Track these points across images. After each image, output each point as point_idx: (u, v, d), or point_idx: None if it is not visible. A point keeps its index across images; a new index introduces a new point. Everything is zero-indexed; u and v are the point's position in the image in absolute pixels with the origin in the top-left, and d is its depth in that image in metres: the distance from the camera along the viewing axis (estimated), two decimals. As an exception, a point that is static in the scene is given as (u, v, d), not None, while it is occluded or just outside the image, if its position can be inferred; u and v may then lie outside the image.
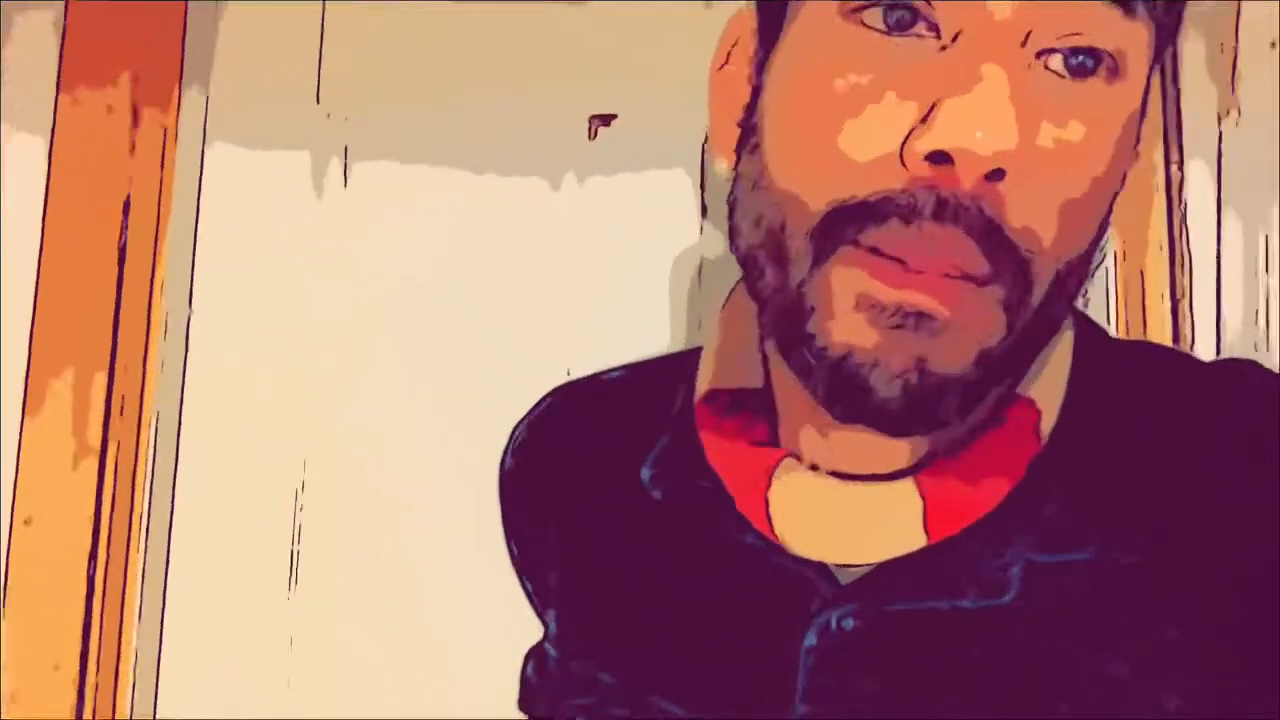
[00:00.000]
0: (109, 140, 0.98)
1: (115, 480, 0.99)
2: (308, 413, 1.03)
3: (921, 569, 0.46)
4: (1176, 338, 0.94)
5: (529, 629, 0.96)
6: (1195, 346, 0.93)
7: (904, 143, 0.40)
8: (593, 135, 1.04)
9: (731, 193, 0.47)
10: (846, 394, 0.42)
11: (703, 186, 1.03)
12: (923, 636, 0.46)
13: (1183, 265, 0.94)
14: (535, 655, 0.59)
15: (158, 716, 0.99)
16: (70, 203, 0.99)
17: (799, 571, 0.47)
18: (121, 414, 0.99)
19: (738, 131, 0.47)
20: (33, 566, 0.96)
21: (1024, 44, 0.41)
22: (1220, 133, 0.92)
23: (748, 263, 0.45)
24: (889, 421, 0.43)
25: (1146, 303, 0.94)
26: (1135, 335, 0.94)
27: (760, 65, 0.46)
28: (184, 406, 1.02)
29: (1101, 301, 0.96)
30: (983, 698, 0.45)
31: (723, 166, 0.48)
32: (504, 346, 1.03)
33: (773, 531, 0.48)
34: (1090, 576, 0.45)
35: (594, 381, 0.61)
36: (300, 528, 1.02)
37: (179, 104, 1.00)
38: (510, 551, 0.61)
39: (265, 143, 1.05)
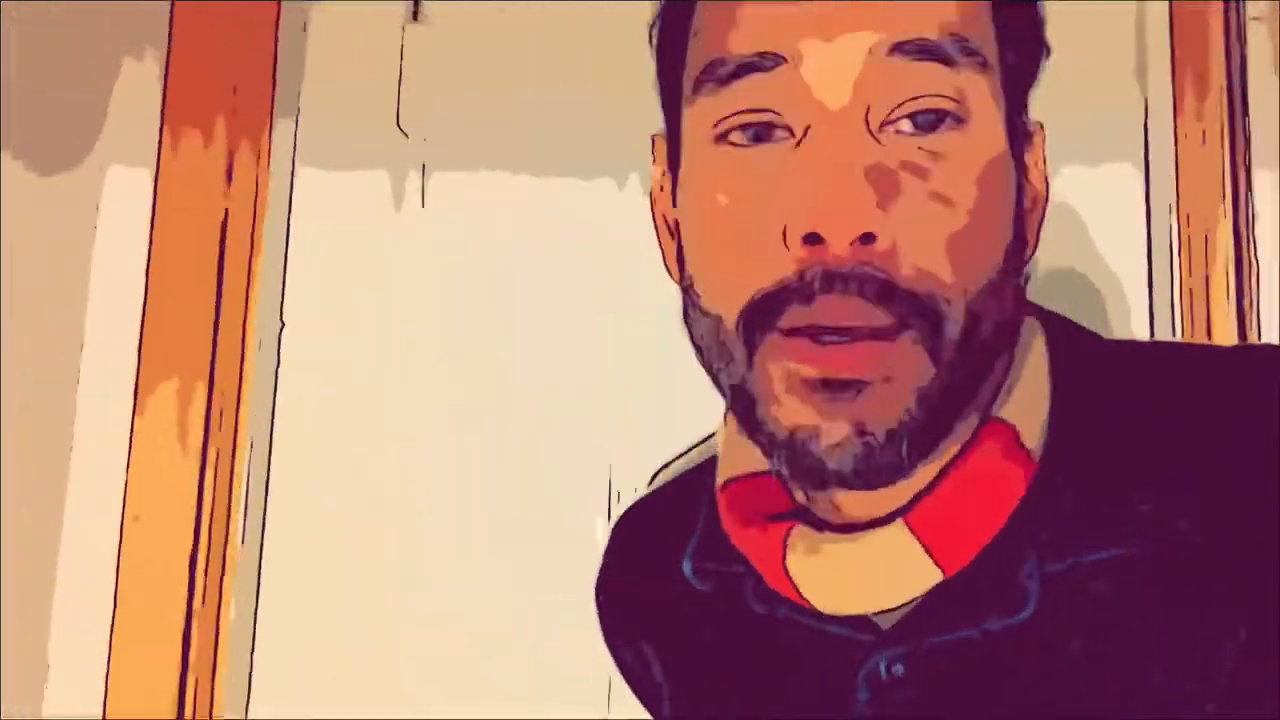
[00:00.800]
0: (208, 170, 1.07)
1: (215, 481, 1.07)
2: (394, 421, 1.09)
3: (945, 602, 0.47)
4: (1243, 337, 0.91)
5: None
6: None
7: (784, 234, 0.44)
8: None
9: (685, 312, 0.51)
10: (804, 467, 0.46)
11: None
12: (963, 667, 0.47)
13: (1250, 271, 0.91)
14: None
15: (249, 716, 1.05)
16: (174, 227, 1.08)
17: (838, 631, 0.50)
18: (220, 421, 1.07)
19: (677, 250, 0.52)
20: (140, 560, 1.05)
21: (866, 120, 0.45)
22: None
23: (709, 369, 0.50)
24: (851, 483, 0.46)
25: (1211, 309, 0.92)
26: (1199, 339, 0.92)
27: (673, 194, 0.51)
28: (276, 414, 1.09)
29: (1166, 309, 0.94)
30: (1031, 714, 0.46)
31: (676, 279, 0.53)
32: (578, 351, 1.07)
33: (801, 598, 0.50)
34: (1110, 575, 0.47)
35: (648, 499, 0.65)
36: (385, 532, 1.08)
37: (270, 134, 1.08)
38: (621, 672, 0.65)
39: (349, 164, 1.11)
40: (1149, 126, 0.97)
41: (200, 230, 1.08)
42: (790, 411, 0.45)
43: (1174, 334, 0.93)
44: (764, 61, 0.45)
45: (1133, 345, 0.62)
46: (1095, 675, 0.46)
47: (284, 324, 1.11)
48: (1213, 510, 0.46)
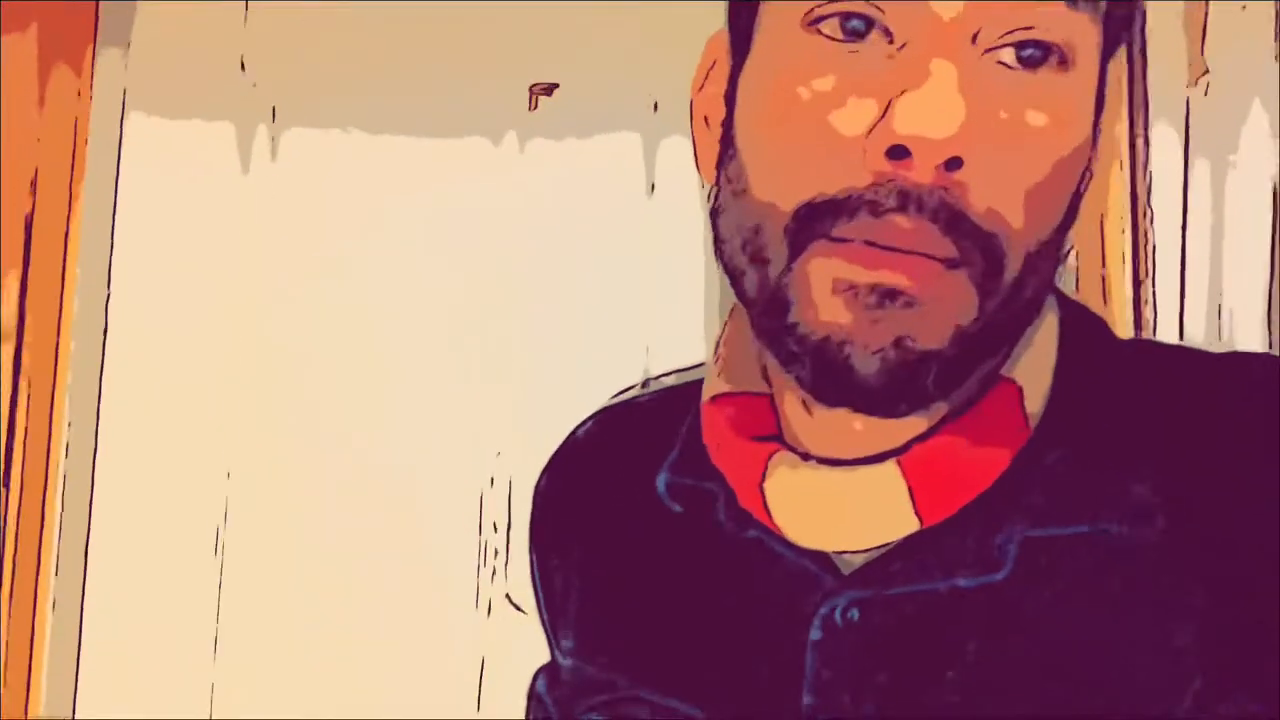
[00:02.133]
0: (14, 101, 0.92)
1: (25, 463, 0.94)
2: (233, 400, 0.98)
3: (918, 553, 0.48)
4: (1138, 321, 0.91)
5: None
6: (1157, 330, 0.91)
7: (865, 141, 0.43)
8: (534, 106, 0.99)
9: (715, 202, 0.50)
10: (829, 375, 0.45)
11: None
12: (923, 620, 0.47)
13: (1145, 246, 0.91)
14: (546, 671, 0.62)
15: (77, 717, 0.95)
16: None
17: (801, 564, 0.49)
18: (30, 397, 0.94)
19: (718, 148, 0.50)
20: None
21: (973, 41, 0.44)
22: (1188, 99, 0.90)
23: (731, 269, 0.49)
24: (872, 399, 0.45)
25: (1109, 288, 0.91)
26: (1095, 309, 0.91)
27: (734, 80, 0.49)
28: (101, 401, 0.97)
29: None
30: (987, 675, 0.46)
31: (709, 179, 0.51)
32: (443, 321, 0.99)
33: (773, 522, 0.49)
34: (1087, 550, 0.47)
35: (629, 405, 0.64)
36: (226, 513, 0.98)
37: (94, 60, 0.95)
38: (531, 564, 0.63)
39: (188, 111, 1.00)
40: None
41: (6, 176, 0.93)
42: (829, 313, 0.44)
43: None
44: None
45: (1140, 340, 0.63)
46: (1054, 647, 0.46)
47: (110, 292, 0.98)
48: (1195, 504, 0.47)
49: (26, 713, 0.93)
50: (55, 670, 0.95)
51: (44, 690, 0.94)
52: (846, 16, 0.44)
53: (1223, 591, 0.45)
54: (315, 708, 0.94)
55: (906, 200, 0.42)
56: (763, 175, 0.46)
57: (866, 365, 0.44)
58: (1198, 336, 0.90)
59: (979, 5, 0.43)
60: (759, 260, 0.46)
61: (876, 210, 0.43)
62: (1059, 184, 0.45)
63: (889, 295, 0.43)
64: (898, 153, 0.42)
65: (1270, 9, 0.89)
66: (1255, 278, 0.88)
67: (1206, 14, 0.90)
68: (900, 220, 0.42)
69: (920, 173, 0.42)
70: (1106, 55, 0.47)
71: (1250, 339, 0.89)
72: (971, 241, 0.43)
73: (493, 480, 0.98)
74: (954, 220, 0.43)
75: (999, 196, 0.43)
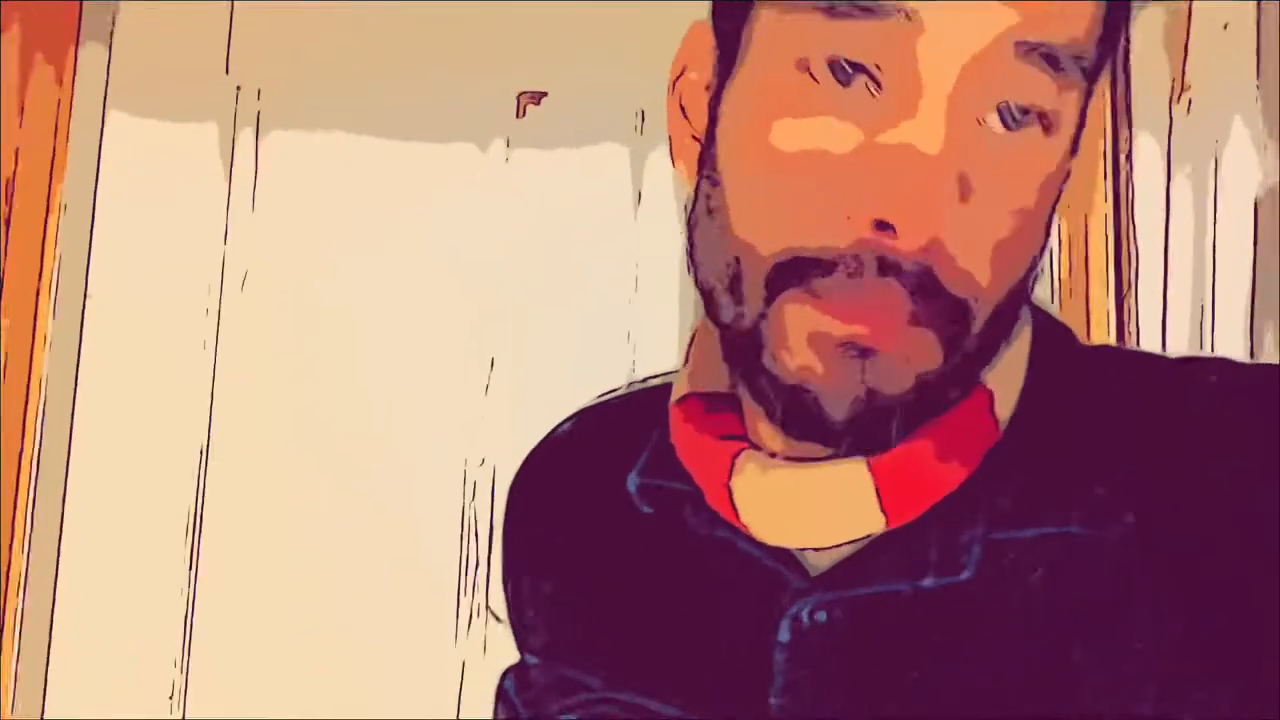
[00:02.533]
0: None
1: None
2: (215, 403, 0.97)
3: (884, 554, 0.48)
4: (1121, 333, 0.92)
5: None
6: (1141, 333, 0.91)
7: (851, 202, 0.43)
8: (521, 113, 0.99)
9: (690, 211, 0.50)
10: (800, 418, 0.46)
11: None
12: (889, 621, 0.48)
13: (1129, 258, 0.91)
14: (514, 671, 0.61)
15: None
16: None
17: (769, 565, 0.50)
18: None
19: (696, 146, 0.50)
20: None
21: (964, 109, 0.44)
22: (1171, 115, 0.91)
23: (704, 288, 0.49)
24: (837, 440, 0.46)
25: (1091, 301, 0.92)
26: (1078, 320, 0.92)
27: (717, 94, 0.49)
28: (76, 406, 0.95)
29: (1045, 294, 0.93)
30: (953, 676, 0.47)
31: (681, 171, 0.51)
32: (427, 326, 0.98)
33: (740, 521, 0.49)
34: (1050, 551, 0.47)
35: (606, 405, 0.64)
36: (203, 514, 0.96)
37: (76, 57, 0.93)
38: (503, 561, 0.62)
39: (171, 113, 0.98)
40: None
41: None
42: (804, 361, 0.45)
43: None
44: (883, 5, 0.43)
45: (1105, 347, 0.64)
46: (1020, 647, 0.47)
47: (87, 294, 0.97)
48: (1157, 505, 0.47)
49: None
50: (25, 671, 0.93)
51: (13, 693, 0.92)
52: (835, 65, 0.44)
53: (1184, 592, 0.46)
54: (292, 709, 0.92)
55: (886, 269, 0.43)
56: (743, 214, 0.46)
57: (837, 411, 0.45)
58: (1181, 348, 0.91)
59: (975, 73, 0.43)
60: (735, 296, 0.47)
61: (856, 273, 0.43)
62: (1029, 235, 0.46)
63: (862, 350, 0.44)
64: (883, 226, 0.43)
65: (1252, 29, 0.91)
66: (1238, 289, 0.89)
67: (1189, 34, 0.91)
68: (875, 283, 0.43)
69: (904, 244, 0.43)
70: (1088, 99, 0.47)
71: (1233, 349, 0.90)
72: (939, 306, 0.44)
73: (475, 488, 0.97)
74: (927, 287, 0.43)
75: (970, 258, 0.44)
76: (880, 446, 0.46)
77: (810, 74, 0.44)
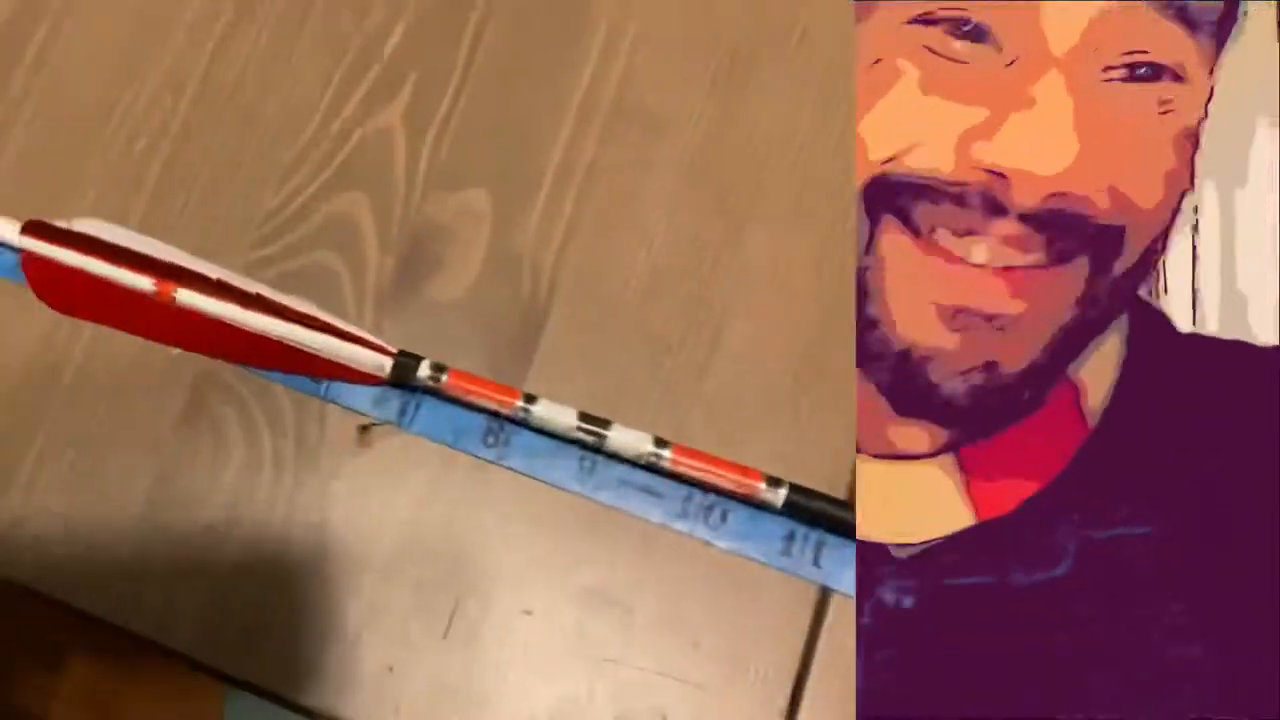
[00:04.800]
0: None
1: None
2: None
3: (973, 546, 0.48)
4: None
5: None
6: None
7: (962, 138, 0.42)
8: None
9: None
10: (910, 388, 0.43)
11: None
12: (976, 613, 0.48)
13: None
14: None
15: None
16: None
17: (855, 549, 0.49)
18: None
19: None
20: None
21: (1086, 65, 0.43)
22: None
23: None
24: (953, 418, 0.45)
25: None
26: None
27: None
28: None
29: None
30: (1036, 671, 0.47)
31: None
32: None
33: None
34: (1148, 551, 0.47)
35: None
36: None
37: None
38: None
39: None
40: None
41: None
42: (913, 325, 0.43)
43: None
44: None
45: (1195, 336, 0.63)
46: (1106, 645, 0.47)
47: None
48: (1256, 504, 0.47)
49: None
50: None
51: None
52: (960, 24, 0.43)
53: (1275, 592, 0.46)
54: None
55: (993, 206, 0.41)
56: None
57: (951, 386, 0.43)
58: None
59: (1098, 29, 0.42)
60: None
61: (961, 203, 0.41)
62: (1172, 185, 0.44)
63: (980, 318, 0.42)
64: (997, 173, 0.41)
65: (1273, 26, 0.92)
66: (1268, 282, 0.89)
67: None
68: (986, 217, 0.41)
69: (1018, 201, 0.41)
70: (1219, 52, 0.47)
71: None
72: (1079, 232, 0.42)
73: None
74: (1057, 216, 0.41)
75: (1122, 182, 0.42)
76: (1008, 420, 0.45)
77: (934, 24, 0.43)
